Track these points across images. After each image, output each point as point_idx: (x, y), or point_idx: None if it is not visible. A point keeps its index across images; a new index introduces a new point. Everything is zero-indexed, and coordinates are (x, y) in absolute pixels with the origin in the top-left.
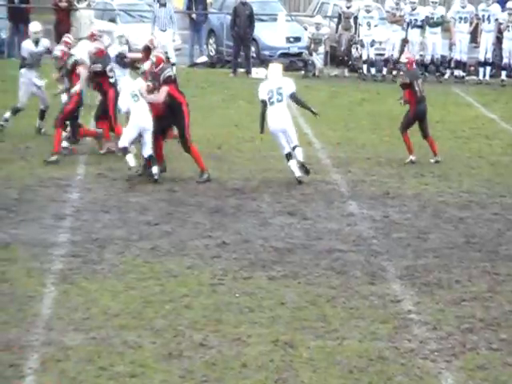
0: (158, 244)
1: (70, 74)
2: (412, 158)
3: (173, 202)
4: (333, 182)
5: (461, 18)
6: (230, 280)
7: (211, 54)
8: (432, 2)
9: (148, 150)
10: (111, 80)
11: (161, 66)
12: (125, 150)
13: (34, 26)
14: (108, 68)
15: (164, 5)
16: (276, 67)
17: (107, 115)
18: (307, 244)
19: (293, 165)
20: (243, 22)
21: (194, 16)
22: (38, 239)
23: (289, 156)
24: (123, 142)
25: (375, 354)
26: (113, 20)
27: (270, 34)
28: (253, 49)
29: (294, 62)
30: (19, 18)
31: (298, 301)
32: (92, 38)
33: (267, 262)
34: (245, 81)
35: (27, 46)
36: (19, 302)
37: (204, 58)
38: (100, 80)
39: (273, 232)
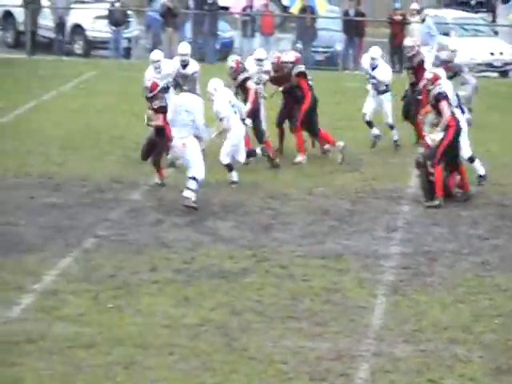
0: (488, 258)
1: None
2: None
3: (503, 216)
4: None
5: None
6: None
7: None
8: None
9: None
10: (310, 82)
11: (436, 84)
12: (230, 166)
13: (184, 48)
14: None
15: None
16: None
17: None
18: None
19: None
20: None
21: None
22: (370, 250)
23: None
24: (225, 158)
25: None
26: (446, 34)
27: None
28: None
29: None
30: (354, 31)
31: None
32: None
33: None
34: None
35: (170, 68)
36: (351, 312)
37: None
38: (301, 83)
39: None
